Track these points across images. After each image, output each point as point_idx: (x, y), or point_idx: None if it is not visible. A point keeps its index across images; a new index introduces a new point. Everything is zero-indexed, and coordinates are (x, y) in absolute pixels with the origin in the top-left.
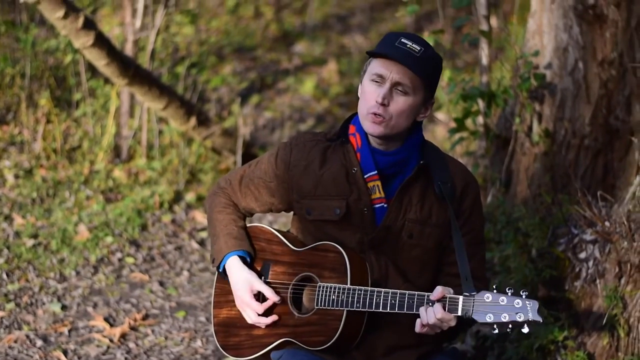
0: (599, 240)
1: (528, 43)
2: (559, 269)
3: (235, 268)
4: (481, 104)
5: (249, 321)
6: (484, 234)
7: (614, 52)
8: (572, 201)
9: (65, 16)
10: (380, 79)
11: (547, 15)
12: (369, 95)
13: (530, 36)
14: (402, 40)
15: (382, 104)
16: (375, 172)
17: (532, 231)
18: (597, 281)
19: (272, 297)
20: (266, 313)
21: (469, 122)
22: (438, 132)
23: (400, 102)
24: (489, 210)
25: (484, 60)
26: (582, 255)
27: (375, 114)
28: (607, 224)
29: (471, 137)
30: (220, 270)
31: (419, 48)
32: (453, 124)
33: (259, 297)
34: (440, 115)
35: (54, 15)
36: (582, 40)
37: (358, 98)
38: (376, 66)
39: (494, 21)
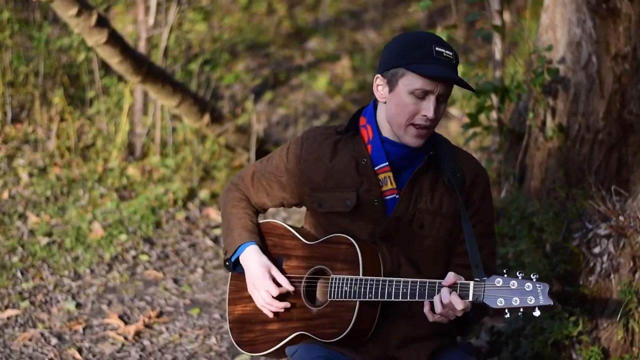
0: (613, 235)
1: (541, 38)
2: (573, 264)
3: (253, 254)
4: (494, 99)
5: (260, 302)
6: (495, 227)
7: (627, 46)
8: (586, 196)
9: (79, 14)
10: (424, 94)
11: (560, 9)
12: (412, 108)
13: (544, 31)
14: (437, 49)
15: (434, 118)
16: (387, 163)
17: (546, 226)
18: (612, 276)
19: (287, 286)
20: (279, 301)
21: (482, 117)
22: (451, 128)
23: (441, 110)
24: (503, 206)
25: (497, 55)
26: (597, 250)
27: (423, 128)
28: (621, 218)
29: (485, 132)
30: (232, 261)
31: (452, 54)
32: (466, 120)
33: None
34: (453, 110)
35: (67, 13)
36: (595, 34)
37: (372, 94)
38: (419, 81)
39: (507, 16)
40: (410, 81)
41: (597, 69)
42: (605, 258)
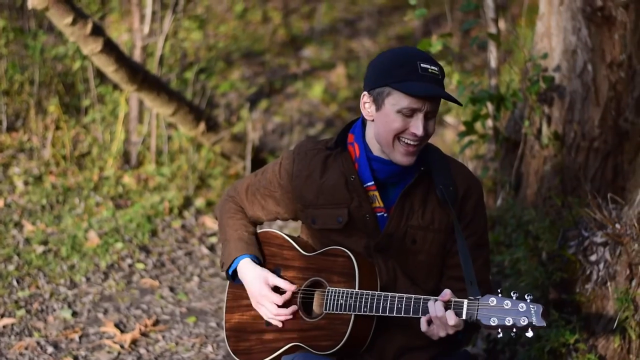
0: (609, 243)
1: (537, 46)
2: (570, 272)
3: (248, 267)
4: (490, 107)
5: (268, 316)
6: (488, 237)
7: (622, 54)
8: (582, 203)
9: (74, 23)
10: (412, 112)
11: (556, 17)
12: (400, 125)
13: (539, 39)
14: (422, 65)
15: (424, 136)
16: (372, 183)
17: (543, 234)
18: (608, 284)
19: (288, 287)
20: (286, 307)
21: (478, 125)
22: (447, 136)
23: (431, 127)
24: (499, 214)
25: (493, 63)
26: (593, 257)
27: (412, 145)
28: (617, 226)
29: (480, 140)
30: (229, 274)
31: (437, 69)
32: (462, 128)
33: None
34: (449, 118)
35: (63, 21)
36: (590, 42)
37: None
38: (405, 100)
39: (502, 24)
40: (397, 100)
41: (593, 77)
42: (601, 266)
